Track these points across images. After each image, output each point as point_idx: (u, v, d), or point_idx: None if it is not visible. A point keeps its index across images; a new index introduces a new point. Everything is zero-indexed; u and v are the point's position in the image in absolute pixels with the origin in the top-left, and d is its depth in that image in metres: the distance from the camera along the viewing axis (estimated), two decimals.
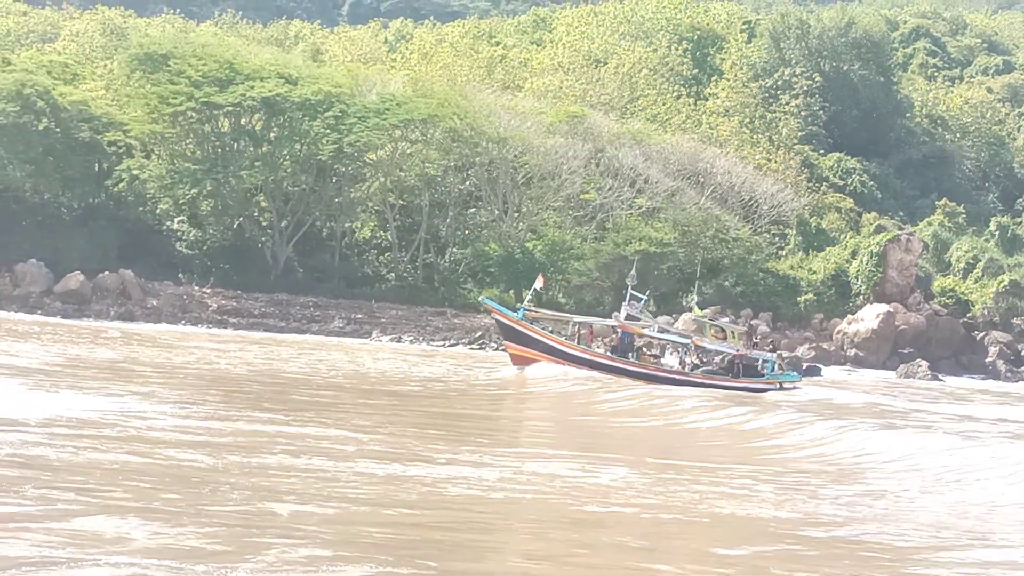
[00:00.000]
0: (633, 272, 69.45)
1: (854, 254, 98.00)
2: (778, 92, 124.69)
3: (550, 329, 66.91)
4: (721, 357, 66.43)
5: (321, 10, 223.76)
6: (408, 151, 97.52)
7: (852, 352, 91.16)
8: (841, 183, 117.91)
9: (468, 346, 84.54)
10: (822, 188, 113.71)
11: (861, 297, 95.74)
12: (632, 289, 66.87)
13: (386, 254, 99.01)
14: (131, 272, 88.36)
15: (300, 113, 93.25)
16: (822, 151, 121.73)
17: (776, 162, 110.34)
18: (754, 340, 74.33)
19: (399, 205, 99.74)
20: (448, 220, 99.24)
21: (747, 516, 27.70)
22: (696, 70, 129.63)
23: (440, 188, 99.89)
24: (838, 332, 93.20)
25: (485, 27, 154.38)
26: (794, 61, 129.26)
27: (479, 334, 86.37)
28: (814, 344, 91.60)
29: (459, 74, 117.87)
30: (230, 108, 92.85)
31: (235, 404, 41.35)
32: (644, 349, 66.60)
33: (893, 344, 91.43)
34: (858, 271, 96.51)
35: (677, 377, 62.75)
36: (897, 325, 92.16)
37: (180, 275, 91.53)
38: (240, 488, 25.77)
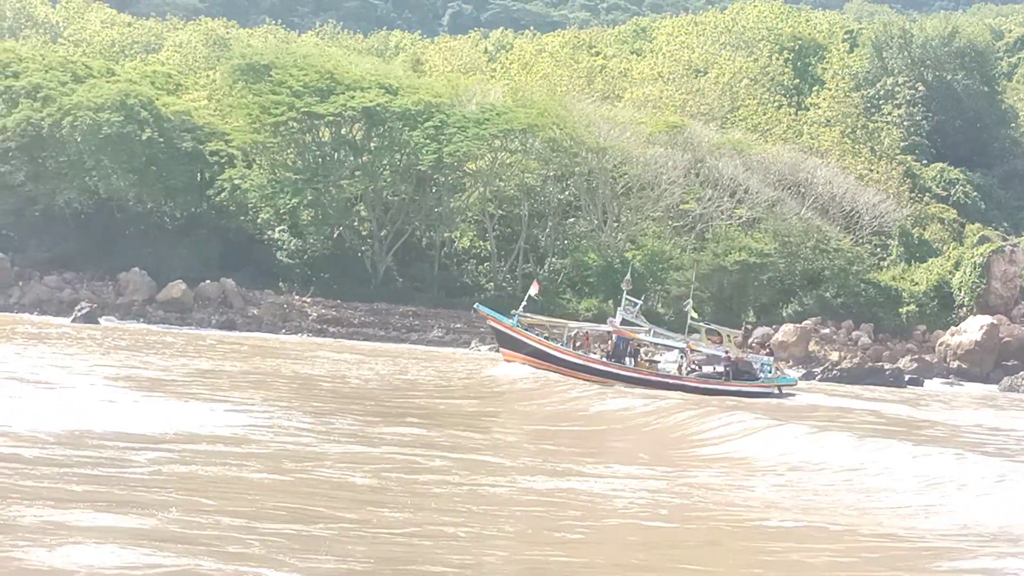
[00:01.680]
0: (628, 276, 69.34)
1: (957, 265, 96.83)
2: (880, 102, 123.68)
3: (546, 335, 66.81)
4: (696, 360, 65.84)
5: (422, 20, 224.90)
6: (507, 161, 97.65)
7: (955, 364, 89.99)
8: (944, 193, 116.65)
9: None
10: (924, 198, 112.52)
11: (964, 309, 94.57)
12: (628, 294, 66.64)
13: (485, 264, 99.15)
14: (232, 281, 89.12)
15: (400, 123, 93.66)
16: (925, 161, 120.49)
17: (878, 172, 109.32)
18: (750, 344, 73.88)
19: (498, 215, 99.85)
20: (547, 230, 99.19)
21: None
22: (797, 80, 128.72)
23: (539, 198, 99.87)
24: (940, 344, 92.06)
25: (585, 37, 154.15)
26: (896, 71, 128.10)
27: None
28: (916, 356, 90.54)
29: (559, 84, 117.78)
30: (331, 118, 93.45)
31: (380, 417, 40.63)
32: (643, 354, 66.37)
33: (997, 356, 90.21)
34: (961, 282, 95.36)
35: (670, 381, 62.16)
36: (1001, 337, 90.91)
37: (280, 284, 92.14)
38: (404, 508, 24.84)
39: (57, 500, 22.81)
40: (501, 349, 66.67)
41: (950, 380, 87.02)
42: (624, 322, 64.80)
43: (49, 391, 40.38)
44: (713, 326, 67.76)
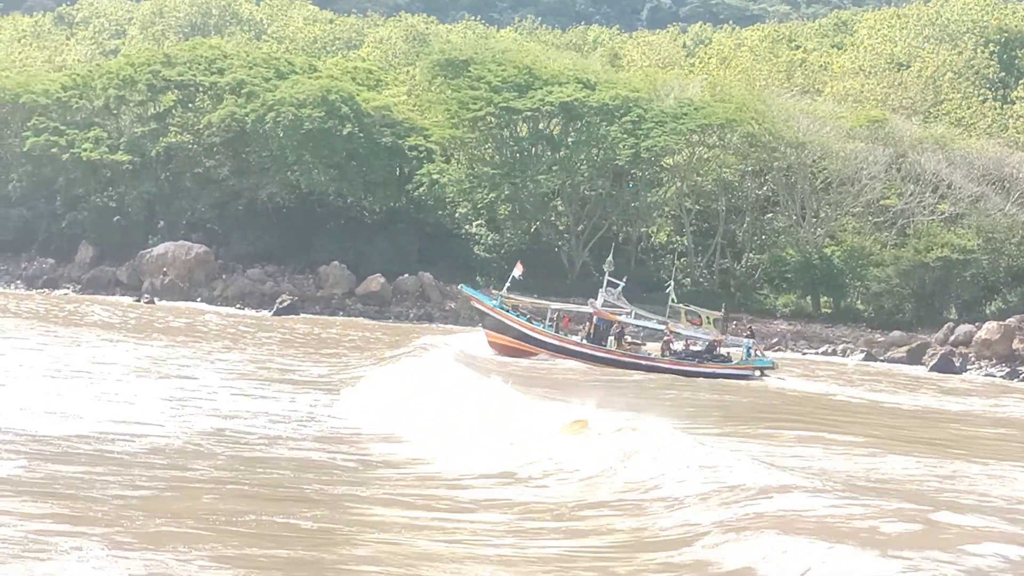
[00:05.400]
0: (610, 259, 68.74)
1: None
2: None
3: (528, 317, 66.29)
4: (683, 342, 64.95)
5: (620, 15, 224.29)
6: (705, 156, 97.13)
7: None
8: None
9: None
10: None
11: None
12: (609, 275, 65.92)
13: (682, 259, 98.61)
14: (429, 275, 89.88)
15: (597, 118, 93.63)
16: None
17: None
18: (729, 326, 72.85)
19: (695, 210, 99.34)
20: (745, 225, 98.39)
21: None
22: (1003, 73, 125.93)
23: (737, 193, 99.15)
24: None
25: (785, 31, 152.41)
26: None
27: (775, 340, 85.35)
28: None
29: (757, 78, 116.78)
30: (528, 113, 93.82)
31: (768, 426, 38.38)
32: (628, 337, 65.80)
33: None
34: None
35: (644, 363, 62.08)
36: None
37: (477, 278, 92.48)
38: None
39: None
40: (485, 331, 66.38)
41: None
42: (605, 304, 64.63)
43: (329, 395, 40.03)
44: (693, 308, 67.11)
